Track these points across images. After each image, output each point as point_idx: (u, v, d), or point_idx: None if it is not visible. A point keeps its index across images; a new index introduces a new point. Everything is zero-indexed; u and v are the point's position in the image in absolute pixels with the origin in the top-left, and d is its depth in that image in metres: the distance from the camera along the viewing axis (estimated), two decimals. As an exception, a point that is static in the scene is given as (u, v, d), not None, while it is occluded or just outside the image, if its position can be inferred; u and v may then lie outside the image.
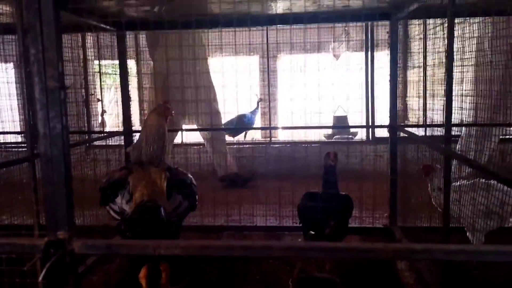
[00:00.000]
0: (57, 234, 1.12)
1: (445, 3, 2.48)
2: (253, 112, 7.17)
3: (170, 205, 2.62)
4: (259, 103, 7.20)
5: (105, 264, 3.51)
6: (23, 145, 6.07)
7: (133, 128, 4.20)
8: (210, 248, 1.12)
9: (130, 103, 3.90)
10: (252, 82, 7.76)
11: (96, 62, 6.22)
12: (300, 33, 6.86)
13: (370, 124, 6.15)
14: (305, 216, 3.15)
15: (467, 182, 3.09)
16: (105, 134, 4.89)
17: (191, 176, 2.88)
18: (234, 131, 6.88)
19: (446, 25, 2.53)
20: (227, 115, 6.41)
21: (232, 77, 6.42)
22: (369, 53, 6.23)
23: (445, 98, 2.50)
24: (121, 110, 3.96)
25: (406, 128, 3.82)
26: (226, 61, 7.83)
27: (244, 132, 7.17)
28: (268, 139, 7.09)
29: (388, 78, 3.81)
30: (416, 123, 4.36)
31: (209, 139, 5.95)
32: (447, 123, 2.49)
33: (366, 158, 5.83)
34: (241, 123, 6.88)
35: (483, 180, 2.95)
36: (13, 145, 5.82)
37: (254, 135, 7.88)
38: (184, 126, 6.03)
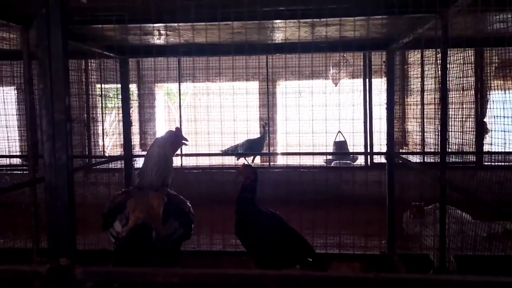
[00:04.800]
0: (60, 261, 1.15)
1: (438, 36, 2.57)
2: (262, 137, 7.26)
3: (165, 231, 2.63)
4: (265, 128, 7.27)
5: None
6: (20, 167, 6.12)
7: (135, 152, 4.26)
8: (208, 276, 1.16)
9: (131, 127, 3.97)
10: (251, 107, 7.93)
11: (98, 85, 6.33)
12: (304, 59, 7.05)
13: (368, 150, 6.21)
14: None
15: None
16: (105, 159, 4.92)
17: (189, 205, 2.90)
18: (241, 156, 6.98)
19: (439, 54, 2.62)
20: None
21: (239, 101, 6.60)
22: (367, 80, 6.34)
23: (439, 125, 2.56)
24: (122, 134, 4.02)
25: (404, 155, 3.87)
26: (227, 86, 8.02)
27: (252, 157, 7.28)
28: (267, 163, 7.13)
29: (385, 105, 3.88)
30: (413, 150, 4.41)
31: None
32: (442, 151, 2.54)
33: (364, 184, 5.87)
34: (249, 148, 6.96)
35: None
36: (12, 168, 5.86)
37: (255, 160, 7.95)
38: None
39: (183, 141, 3.25)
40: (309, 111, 6.54)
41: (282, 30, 3.41)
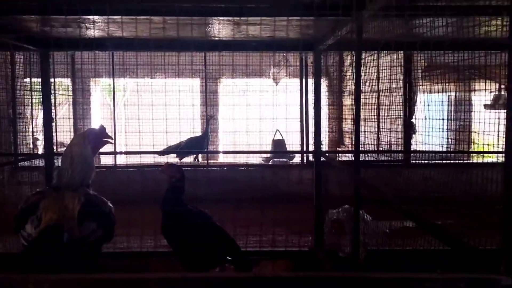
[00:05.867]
0: None
1: (354, 39, 2.65)
2: (205, 135, 7.08)
3: (81, 232, 2.53)
4: (210, 121, 7.10)
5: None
6: None
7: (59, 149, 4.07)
8: (82, 283, 1.12)
9: (53, 123, 3.79)
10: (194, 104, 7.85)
11: (27, 80, 6.00)
12: (242, 58, 7.04)
13: (304, 149, 6.33)
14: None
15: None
16: (23, 157, 4.68)
17: (111, 205, 2.81)
18: (181, 154, 6.82)
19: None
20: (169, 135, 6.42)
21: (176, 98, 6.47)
22: (303, 80, 6.45)
23: (354, 125, 2.64)
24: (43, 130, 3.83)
25: (333, 154, 3.97)
26: (169, 82, 7.87)
27: (194, 155, 7.15)
28: (206, 162, 7.08)
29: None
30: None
31: None
32: (356, 150, 2.62)
33: (300, 182, 5.98)
34: (192, 146, 6.82)
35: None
36: None
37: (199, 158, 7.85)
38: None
39: (106, 139, 3.13)
40: (251, 109, 6.58)
41: (211, 27, 3.38)
